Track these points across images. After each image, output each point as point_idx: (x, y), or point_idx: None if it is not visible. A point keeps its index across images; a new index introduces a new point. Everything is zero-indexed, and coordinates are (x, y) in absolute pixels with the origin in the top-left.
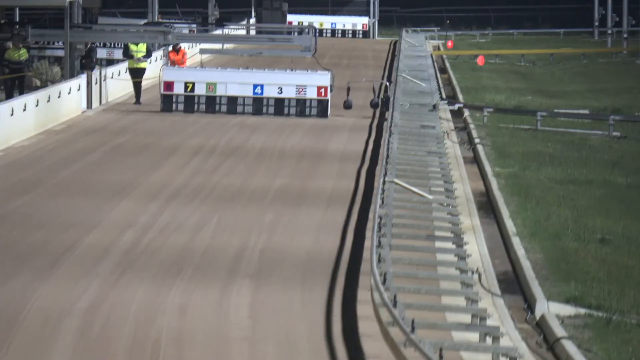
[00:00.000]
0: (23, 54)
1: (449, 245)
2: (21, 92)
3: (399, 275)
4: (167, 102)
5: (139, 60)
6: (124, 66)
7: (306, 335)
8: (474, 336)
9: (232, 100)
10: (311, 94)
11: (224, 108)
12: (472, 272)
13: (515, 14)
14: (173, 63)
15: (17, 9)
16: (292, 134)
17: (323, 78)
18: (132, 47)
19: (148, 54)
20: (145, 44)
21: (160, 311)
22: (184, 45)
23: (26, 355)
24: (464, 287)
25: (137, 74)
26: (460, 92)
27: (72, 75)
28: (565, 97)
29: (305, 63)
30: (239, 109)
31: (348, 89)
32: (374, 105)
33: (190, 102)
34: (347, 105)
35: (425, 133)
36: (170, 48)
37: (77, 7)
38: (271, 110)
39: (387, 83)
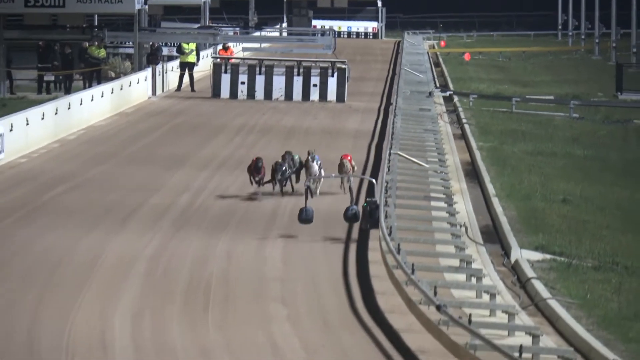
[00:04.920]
0: (102, 53)
1: (442, 204)
2: (99, 83)
3: (402, 229)
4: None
5: (187, 55)
6: None
7: (327, 276)
8: (461, 277)
9: (268, 88)
10: (331, 83)
11: (261, 94)
12: (460, 226)
13: (495, 19)
14: (223, 59)
15: (96, 16)
16: (317, 115)
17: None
18: (184, 45)
19: (197, 56)
20: (194, 44)
21: (210, 257)
22: (230, 44)
23: (104, 291)
24: (454, 237)
25: (186, 66)
26: (450, 81)
27: (140, 68)
28: (535, 86)
29: (326, 59)
30: (274, 95)
31: (307, 190)
32: (350, 217)
33: (234, 89)
34: (305, 218)
35: (422, 115)
36: (220, 47)
37: (144, 14)
38: (299, 97)
39: (374, 180)
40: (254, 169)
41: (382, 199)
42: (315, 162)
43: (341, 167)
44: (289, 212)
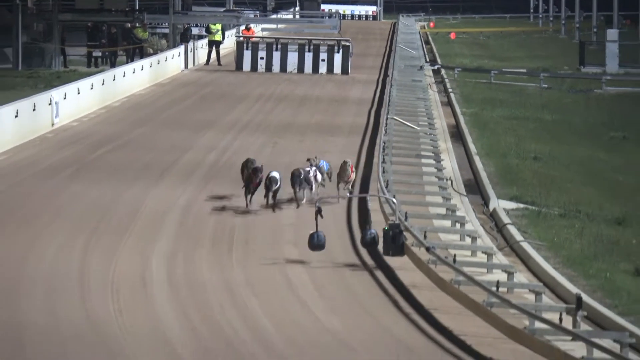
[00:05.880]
0: (145, 35)
1: (431, 161)
2: (141, 58)
3: (397, 182)
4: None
5: (214, 34)
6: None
7: (334, 223)
8: (447, 223)
9: (284, 63)
10: (337, 59)
11: (277, 68)
12: (447, 180)
13: (477, 3)
14: (245, 37)
15: (137, 0)
16: (325, 86)
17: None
18: (212, 26)
19: (223, 35)
20: (221, 24)
21: (234, 207)
22: (251, 25)
23: (144, 237)
24: (441, 189)
25: (214, 44)
26: (439, 57)
27: (174, 45)
28: (510, 60)
29: (333, 37)
30: (288, 68)
31: (317, 212)
32: (368, 242)
33: (254, 63)
34: (317, 243)
35: (415, 85)
36: (243, 27)
37: None
38: (309, 70)
39: (394, 199)
40: (250, 178)
41: (380, 157)
42: (311, 170)
43: (342, 172)
44: (302, 167)
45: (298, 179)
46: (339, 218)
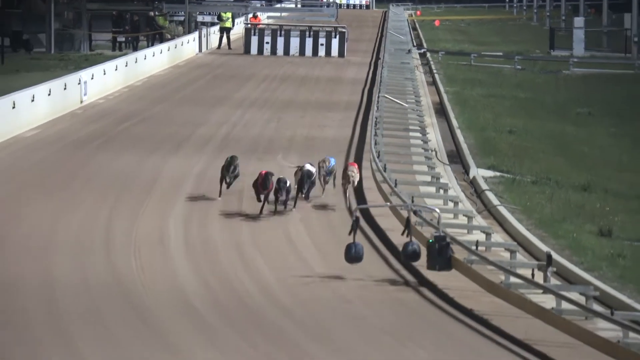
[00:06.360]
0: (166, 23)
1: (417, 134)
2: (160, 43)
3: (388, 152)
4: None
5: (225, 21)
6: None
7: (331, 189)
8: (432, 189)
9: (287, 47)
10: (335, 43)
11: (281, 51)
12: (431, 151)
13: None
14: (252, 24)
15: None
16: (323, 67)
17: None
18: (223, 14)
19: (233, 22)
20: (231, 13)
21: (243, 174)
22: (258, 14)
23: (163, 200)
24: (426, 159)
25: (224, 30)
26: (424, 42)
27: (189, 31)
28: (488, 45)
29: (330, 24)
30: (291, 52)
31: (354, 222)
32: (409, 255)
33: (261, 47)
34: (355, 255)
35: (403, 67)
36: (251, 15)
37: None
38: (310, 53)
39: (437, 210)
40: (261, 184)
41: (372, 131)
42: (311, 166)
43: (345, 175)
44: (303, 139)
45: (308, 180)
46: (336, 182)
